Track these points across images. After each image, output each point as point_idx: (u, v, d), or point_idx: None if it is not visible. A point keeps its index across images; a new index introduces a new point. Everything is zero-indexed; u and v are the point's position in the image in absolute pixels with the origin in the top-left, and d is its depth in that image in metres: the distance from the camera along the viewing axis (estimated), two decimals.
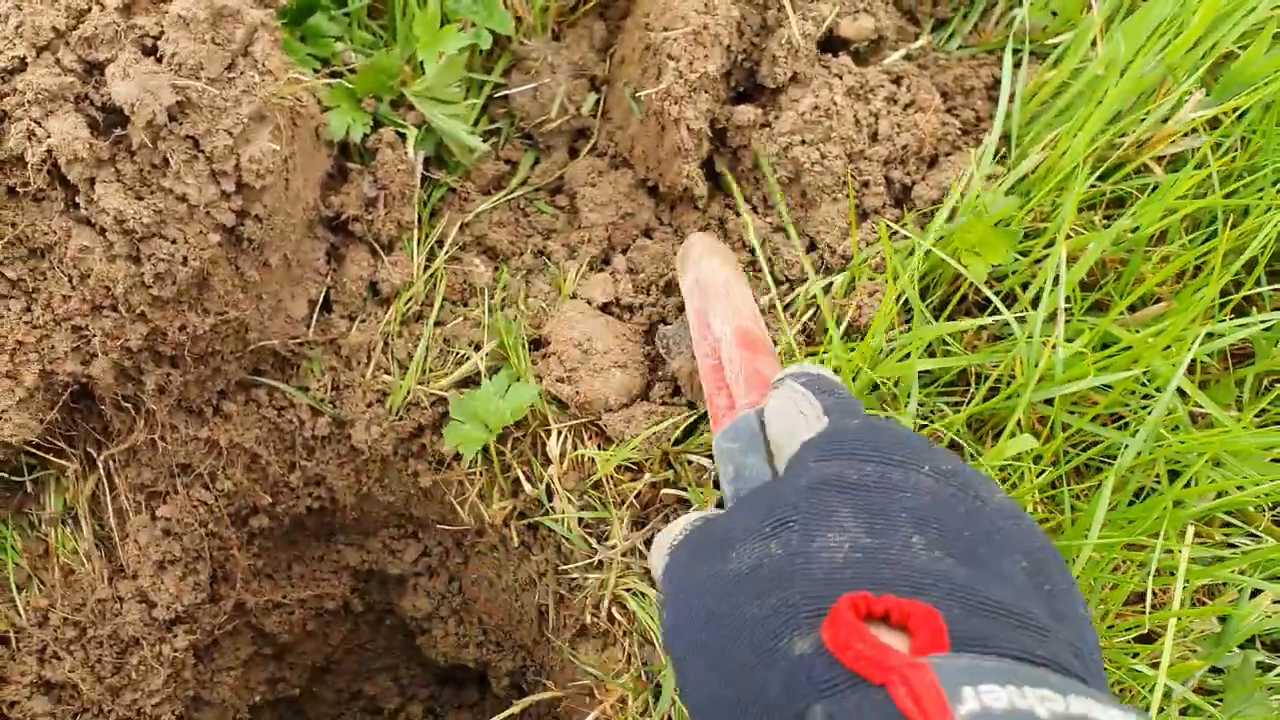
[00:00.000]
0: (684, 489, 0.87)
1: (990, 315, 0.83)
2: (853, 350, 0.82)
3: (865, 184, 0.91)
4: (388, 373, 0.95)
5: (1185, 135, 0.86)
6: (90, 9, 0.76)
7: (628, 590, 0.89)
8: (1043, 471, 0.80)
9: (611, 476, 0.89)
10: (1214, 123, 0.88)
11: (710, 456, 0.86)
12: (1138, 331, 0.80)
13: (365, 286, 0.97)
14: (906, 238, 0.87)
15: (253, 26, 0.78)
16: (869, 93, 0.92)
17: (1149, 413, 0.76)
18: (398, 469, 1.00)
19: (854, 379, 0.81)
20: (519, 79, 1.00)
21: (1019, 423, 0.78)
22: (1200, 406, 0.80)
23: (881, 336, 0.81)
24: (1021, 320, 0.82)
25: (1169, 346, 0.77)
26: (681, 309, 0.90)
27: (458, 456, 0.95)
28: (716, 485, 0.85)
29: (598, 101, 1.02)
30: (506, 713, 0.92)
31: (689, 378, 0.87)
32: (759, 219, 0.94)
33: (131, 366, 0.85)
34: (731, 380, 0.75)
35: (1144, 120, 0.85)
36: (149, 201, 0.76)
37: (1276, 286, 0.83)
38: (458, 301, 0.98)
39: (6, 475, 0.92)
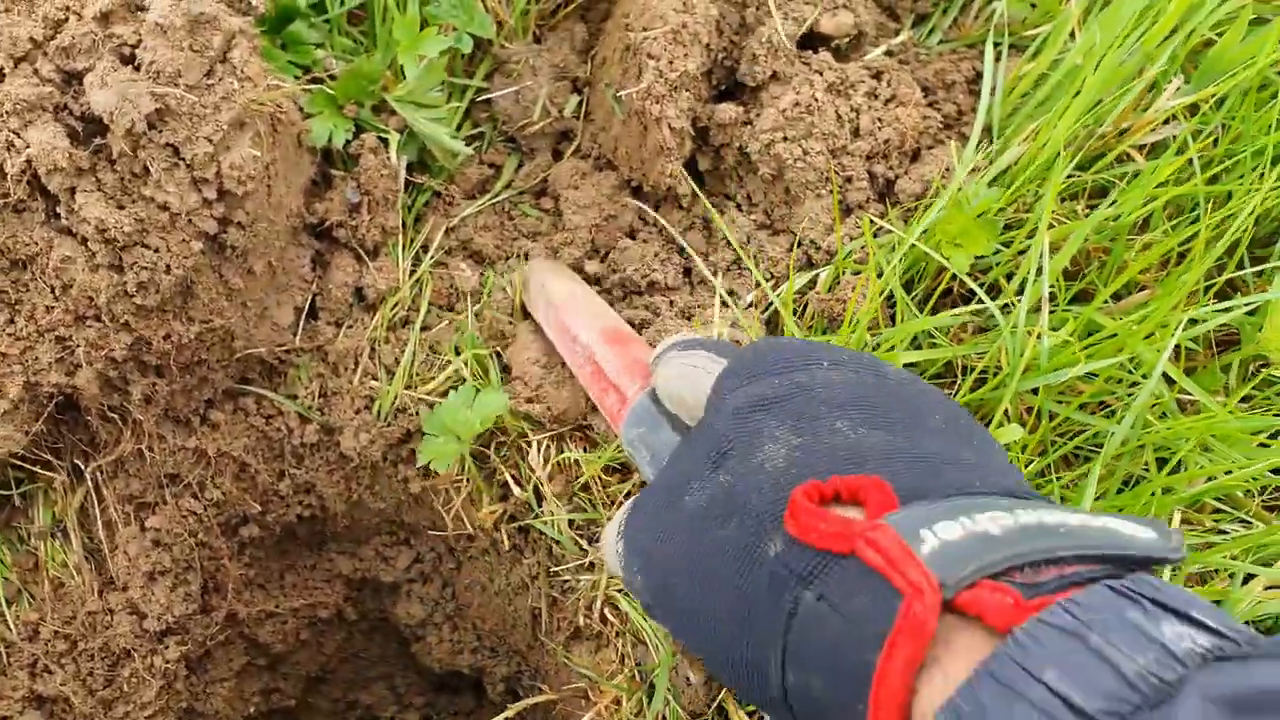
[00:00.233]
0: None
1: (975, 306, 0.83)
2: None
3: (848, 179, 0.91)
4: (375, 379, 0.95)
5: (1165, 123, 0.86)
6: (67, 19, 0.76)
7: (620, 591, 0.89)
8: (1031, 461, 0.80)
9: (599, 478, 0.89)
10: (1194, 110, 0.88)
11: None
12: (1122, 319, 0.80)
13: (351, 292, 0.97)
14: (890, 232, 0.87)
15: (230, 33, 0.78)
16: (850, 88, 0.92)
17: (1135, 399, 0.76)
18: (387, 475, 0.99)
19: None
20: (501, 82, 1.00)
21: (1006, 413, 0.78)
22: (1188, 394, 0.80)
23: (864, 330, 0.81)
24: (1007, 311, 0.82)
25: (1151, 334, 0.77)
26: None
27: None
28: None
29: (580, 103, 1.02)
30: (500, 717, 0.92)
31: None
32: (743, 216, 0.95)
33: (117, 376, 0.85)
34: (615, 378, 0.77)
35: (1122, 108, 0.85)
36: (130, 210, 0.76)
37: (1260, 268, 0.83)
38: (444, 306, 0.98)
39: None
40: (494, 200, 1.01)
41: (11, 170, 0.73)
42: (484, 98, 1.01)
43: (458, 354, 0.94)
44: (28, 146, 0.73)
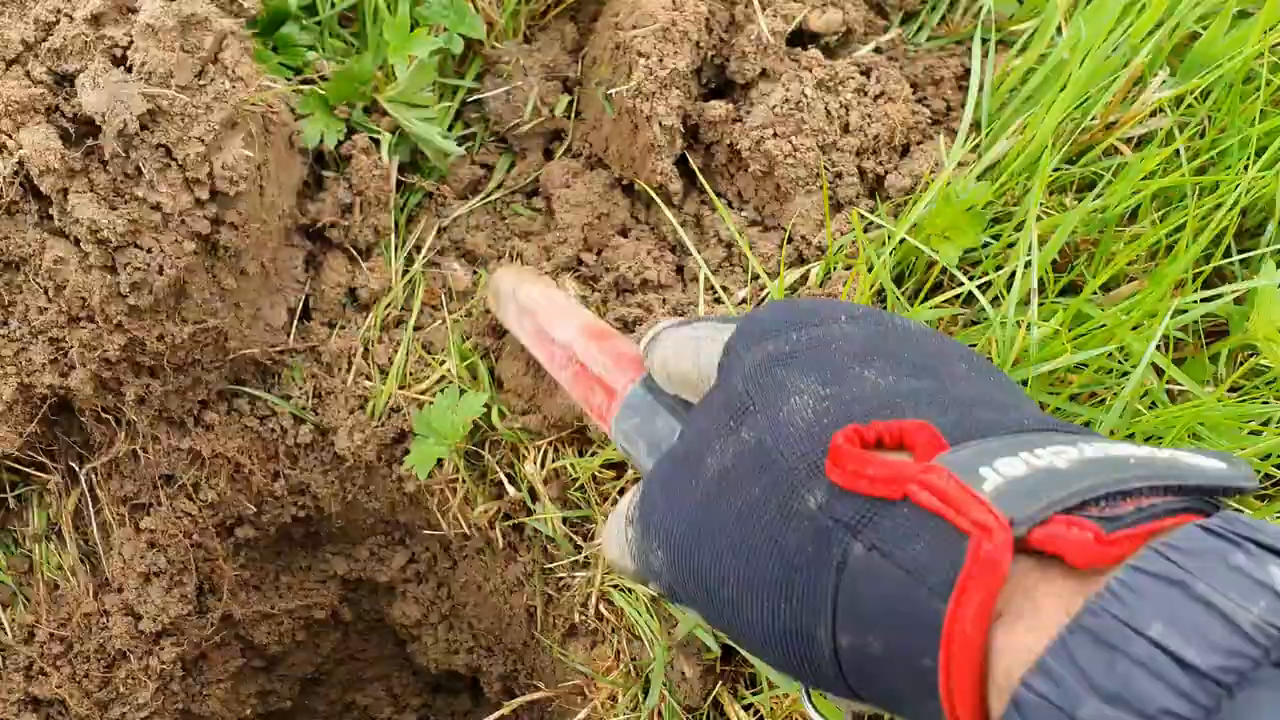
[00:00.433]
0: None
1: (963, 299, 0.83)
2: None
3: (838, 175, 0.91)
4: (368, 379, 0.95)
5: (1151, 115, 0.87)
6: (59, 21, 0.77)
7: (614, 587, 0.89)
8: None
9: (596, 472, 0.89)
10: (1180, 102, 0.89)
11: None
12: (1111, 310, 0.80)
13: (344, 293, 0.97)
14: (881, 227, 0.88)
15: (221, 34, 0.78)
16: (839, 85, 0.93)
17: (1125, 389, 0.77)
18: (382, 475, 1.00)
19: None
20: (492, 82, 1.01)
21: None
22: (1178, 383, 0.80)
23: None
24: (996, 303, 0.82)
25: (1140, 324, 0.78)
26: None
27: (439, 464, 0.95)
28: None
29: (571, 103, 1.02)
30: (496, 714, 0.92)
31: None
32: (734, 213, 0.95)
33: (110, 378, 0.85)
34: (601, 373, 0.72)
35: (1109, 102, 0.86)
36: (123, 211, 0.77)
37: (1246, 256, 0.84)
38: (437, 306, 0.98)
39: None
40: (486, 200, 1.02)
41: (4, 172, 0.74)
42: (475, 98, 1.02)
43: (450, 354, 0.94)
44: (20, 148, 0.74)
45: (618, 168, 0.98)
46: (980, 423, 0.46)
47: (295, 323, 0.95)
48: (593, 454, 0.89)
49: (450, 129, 1.01)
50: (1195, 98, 0.87)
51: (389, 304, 0.97)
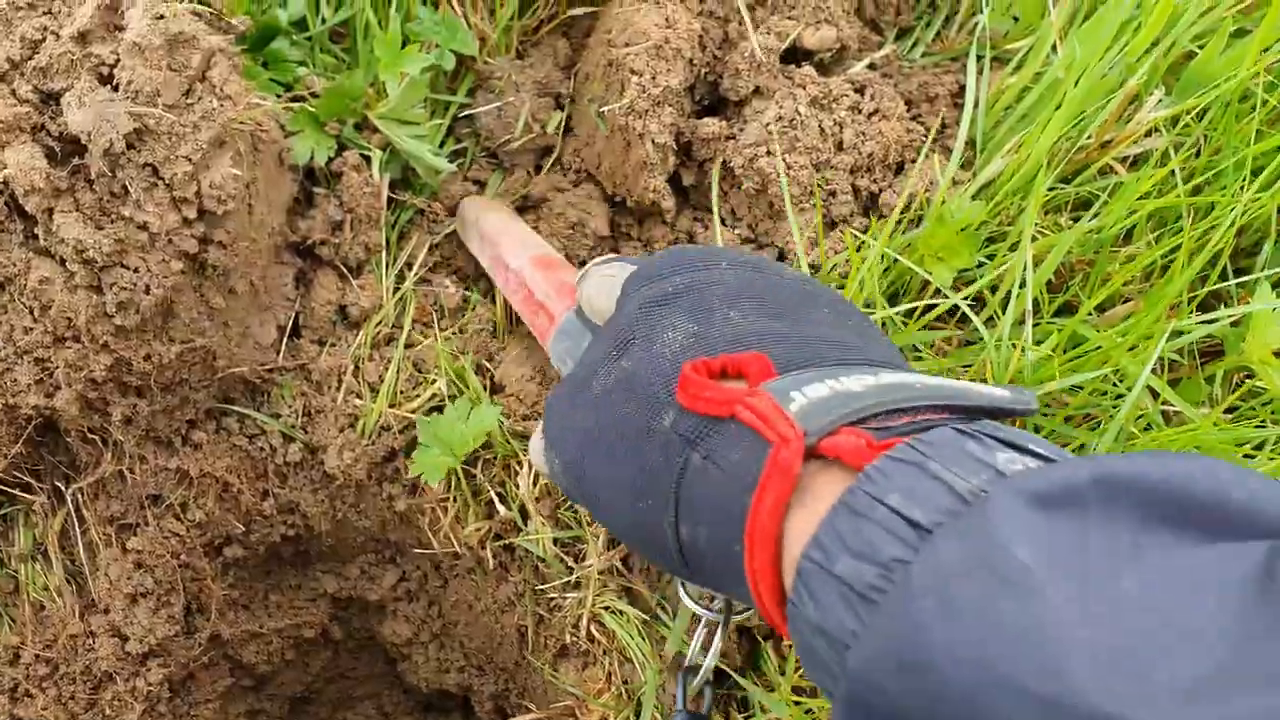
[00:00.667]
0: None
1: (957, 321, 0.83)
2: None
3: (832, 193, 0.91)
4: (359, 397, 0.95)
5: (1147, 135, 0.87)
6: (45, 39, 0.76)
7: (605, 608, 0.89)
8: None
9: None
10: (1176, 122, 0.88)
11: None
12: (1106, 331, 0.80)
13: (334, 311, 0.96)
14: (872, 245, 0.87)
15: (209, 52, 0.78)
16: (833, 102, 0.92)
17: (1120, 411, 0.76)
18: (372, 494, 0.99)
19: None
20: (483, 99, 1.00)
21: None
22: (1173, 405, 0.80)
23: None
24: (991, 324, 0.82)
25: (1134, 347, 0.77)
26: None
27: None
28: None
29: (563, 120, 1.02)
30: None
31: None
32: (728, 230, 0.94)
33: (97, 398, 0.84)
34: (544, 299, 0.82)
35: (1104, 121, 0.85)
36: (109, 230, 0.76)
37: (1243, 279, 0.83)
38: (428, 323, 0.98)
39: None
40: None
41: None
42: (466, 114, 1.01)
43: (441, 372, 0.93)
44: (5, 167, 0.73)
45: (610, 184, 0.97)
46: (818, 358, 0.54)
47: (285, 341, 0.94)
48: None
49: (442, 145, 1.00)
50: (1191, 117, 0.87)
51: (380, 321, 0.96)
